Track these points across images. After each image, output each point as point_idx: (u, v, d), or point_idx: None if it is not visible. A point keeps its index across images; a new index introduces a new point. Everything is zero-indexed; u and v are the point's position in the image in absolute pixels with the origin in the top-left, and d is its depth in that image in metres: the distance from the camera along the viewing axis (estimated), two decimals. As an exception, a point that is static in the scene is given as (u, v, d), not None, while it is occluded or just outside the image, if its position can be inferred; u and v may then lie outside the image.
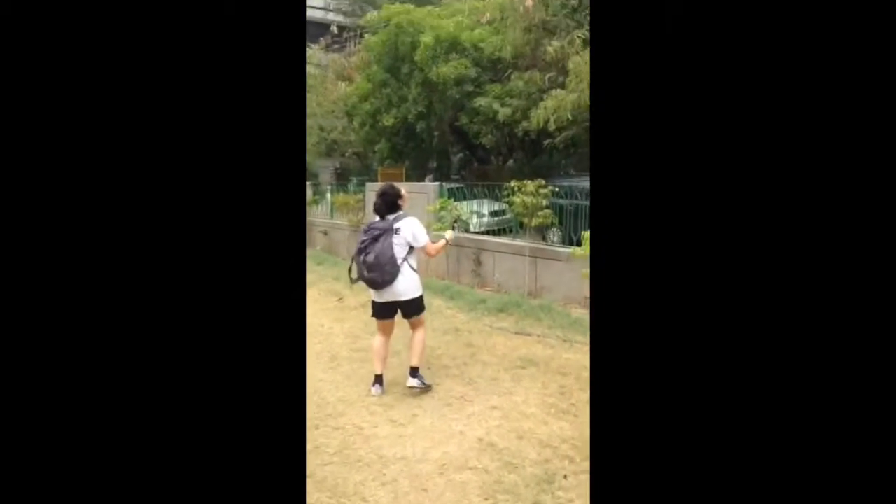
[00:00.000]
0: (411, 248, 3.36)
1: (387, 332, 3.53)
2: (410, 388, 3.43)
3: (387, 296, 3.35)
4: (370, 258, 3.25)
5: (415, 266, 3.42)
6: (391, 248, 3.27)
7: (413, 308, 3.44)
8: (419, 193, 7.30)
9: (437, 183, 7.87)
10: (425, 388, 3.46)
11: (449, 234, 3.88)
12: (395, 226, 3.34)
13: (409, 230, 3.35)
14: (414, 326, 3.51)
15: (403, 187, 3.49)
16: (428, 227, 6.58)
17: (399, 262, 3.29)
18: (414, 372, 3.45)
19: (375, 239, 3.30)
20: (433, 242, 3.50)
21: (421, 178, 10.92)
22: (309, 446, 2.84)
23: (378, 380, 3.49)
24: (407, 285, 3.35)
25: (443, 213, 6.58)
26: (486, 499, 2.36)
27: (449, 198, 6.97)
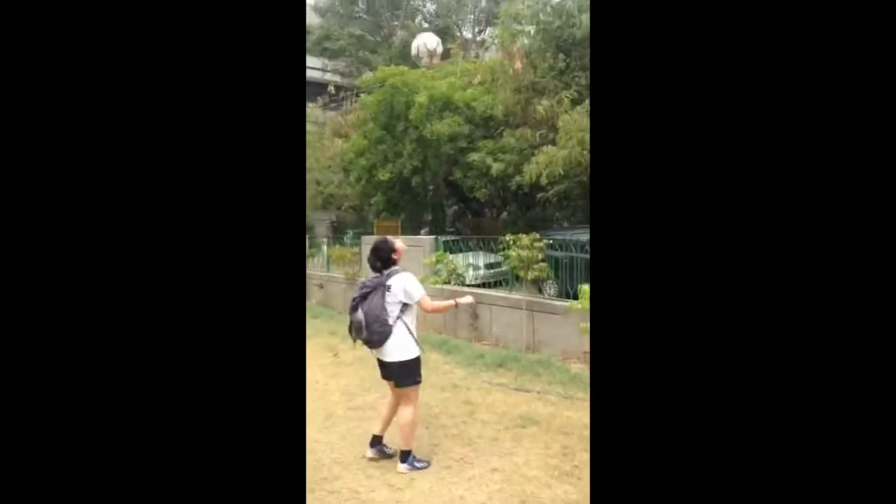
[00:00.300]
0: (406, 305, 3.13)
1: (394, 395, 3.31)
2: (401, 470, 3.14)
3: (381, 356, 3.15)
4: (359, 316, 3.08)
5: (410, 325, 3.15)
6: (381, 306, 3.06)
7: (402, 374, 3.10)
8: (415, 247, 7.34)
9: (433, 236, 7.92)
10: (387, 452, 3.32)
11: (468, 298, 3.58)
12: (388, 282, 3.12)
13: (401, 286, 3.11)
14: (400, 399, 3.20)
15: (398, 241, 3.32)
16: (424, 281, 6.59)
17: (391, 320, 3.06)
18: (404, 456, 3.15)
19: (365, 297, 3.12)
20: (432, 298, 3.33)
21: (416, 231, 11.01)
22: (302, 514, 2.71)
23: (375, 441, 3.33)
24: (394, 346, 3.07)
25: (439, 266, 6.59)
26: (490, 571, 2.23)
27: (444, 251, 7.00)
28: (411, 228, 11.20)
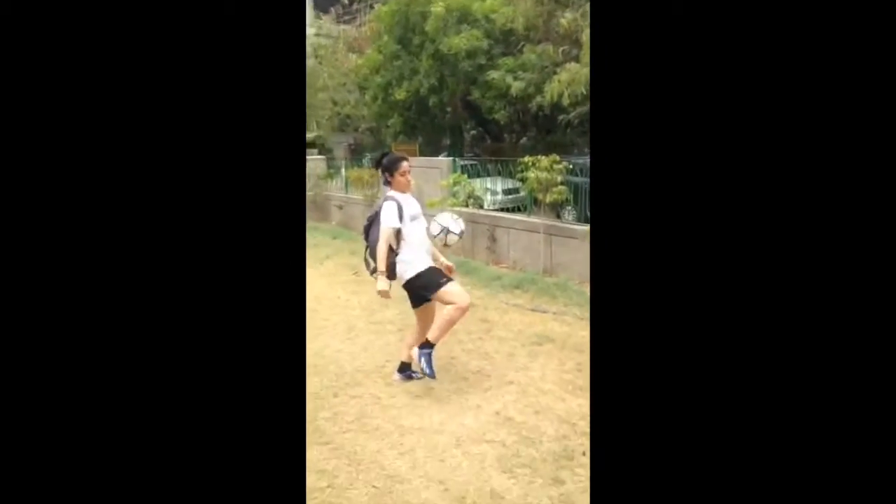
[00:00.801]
0: (398, 231, 2.98)
1: (418, 319, 3.21)
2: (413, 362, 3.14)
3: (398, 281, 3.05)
4: (369, 244, 3.05)
5: (406, 248, 2.99)
6: (377, 234, 2.98)
7: (412, 293, 3.05)
8: (432, 168, 7.24)
9: (451, 158, 7.77)
10: (414, 377, 3.17)
11: (382, 283, 2.96)
12: (381, 207, 3.01)
13: (381, 213, 2.97)
14: (424, 322, 3.14)
15: (405, 162, 3.07)
16: (442, 203, 6.55)
17: (398, 245, 3.00)
18: (423, 343, 3.04)
19: (370, 223, 3.07)
20: (397, 228, 2.97)
21: (434, 155, 10.82)
22: (327, 413, 2.86)
23: (403, 367, 3.24)
24: (400, 271, 2.99)
25: (456, 188, 6.52)
26: (504, 472, 2.36)
27: (462, 174, 6.89)
28: (430, 152, 10.98)
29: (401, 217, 2.99)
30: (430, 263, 3.04)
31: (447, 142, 12.37)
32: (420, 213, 3.10)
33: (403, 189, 3.07)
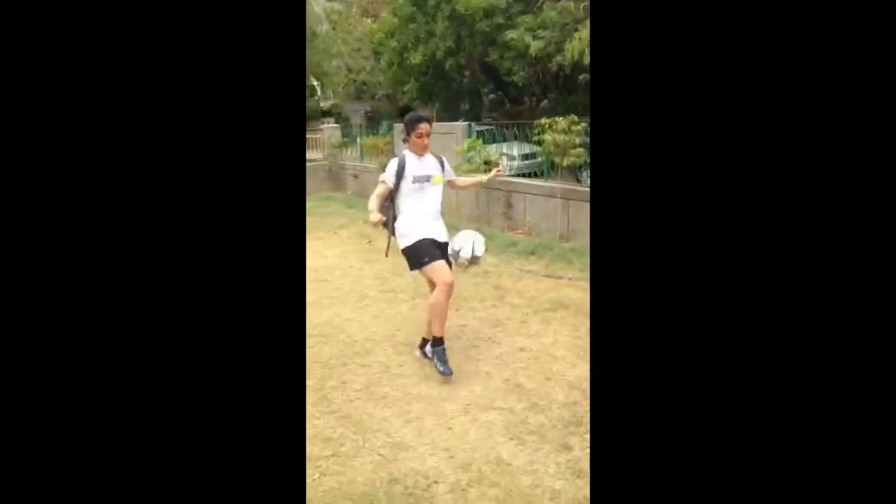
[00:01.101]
0: (398, 192, 2.90)
1: (427, 281, 3.04)
2: (421, 355, 3.08)
3: None
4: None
5: (406, 212, 2.90)
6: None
7: (408, 261, 2.92)
8: (447, 134, 7.08)
9: (466, 123, 7.59)
10: (431, 361, 2.95)
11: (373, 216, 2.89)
12: None
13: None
14: (430, 283, 2.98)
15: (424, 124, 2.90)
16: (457, 169, 6.42)
17: (395, 207, 2.93)
18: (434, 342, 2.90)
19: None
20: (387, 185, 2.90)
21: (452, 121, 10.61)
22: (335, 382, 2.87)
23: (423, 342, 3.09)
24: (396, 234, 2.93)
25: (471, 153, 6.37)
26: (512, 439, 2.33)
27: (477, 138, 6.72)
28: (448, 118, 10.76)
29: (400, 177, 2.87)
30: (423, 235, 2.86)
31: (466, 107, 12.11)
32: (431, 176, 2.92)
33: (418, 150, 2.89)
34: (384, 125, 10.18)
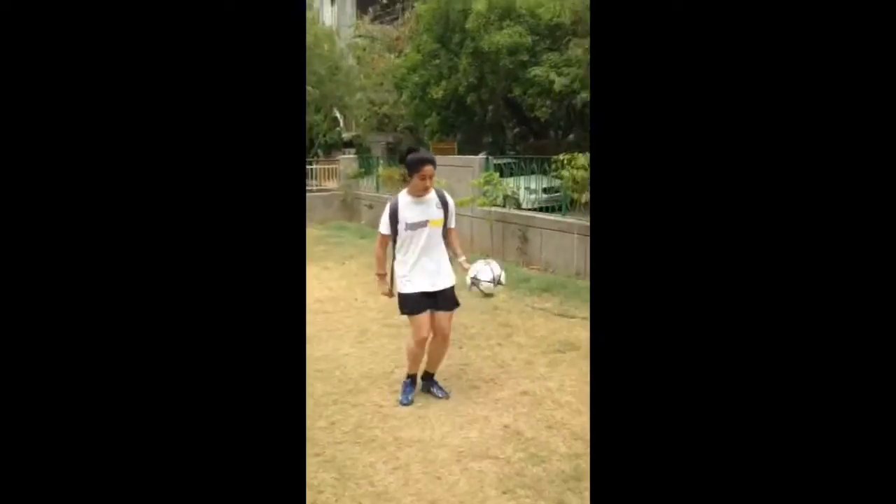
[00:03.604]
0: (396, 236, 2.83)
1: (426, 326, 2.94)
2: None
3: None
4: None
5: (401, 259, 2.83)
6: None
7: (399, 306, 2.90)
8: (464, 167, 7.06)
9: (483, 156, 7.56)
10: (430, 393, 2.98)
11: (381, 286, 3.02)
12: None
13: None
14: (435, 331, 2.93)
15: (427, 167, 2.75)
16: (472, 202, 6.36)
17: (394, 249, 2.86)
18: (425, 375, 3.01)
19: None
20: (385, 235, 2.85)
21: (475, 153, 10.65)
22: (323, 423, 2.73)
23: (425, 375, 3.04)
24: (396, 279, 2.89)
25: (487, 187, 6.30)
26: (504, 492, 2.15)
27: (495, 172, 6.67)
28: (469, 150, 10.80)
29: (395, 222, 2.80)
30: (417, 288, 2.78)
31: (489, 139, 12.15)
32: (427, 221, 2.78)
33: (418, 192, 2.77)
34: (405, 157, 10.27)
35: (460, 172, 6.96)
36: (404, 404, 2.90)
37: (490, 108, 10.55)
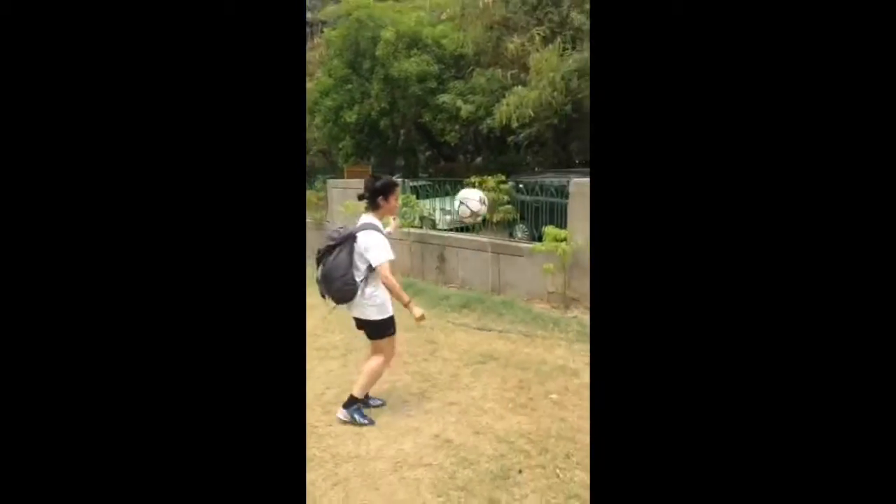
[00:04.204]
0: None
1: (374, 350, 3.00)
2: (338, 418, 2.99)
3: (350, 311, 2.89)
4: (321, 271, 2.79)
5: (376, 284, 2.82)
6: (348, 262, 2.73)
7: (373, 330, 2.90)
8: (382, 190, 7.22)
9: (398, 179, 7.79)
10: (353, 423, 2.95)
11: (418, 311, 2.95)
12: (357, 234, 2.75)
13: (363, 242, 2.73)
14: (372, 350, 3.01)
15: (398, 186, 2.89)
16: (387, 224, 6.51)
17: (359, 277, 2.75)
18: (349, 402, 2.96)
19: (330, 250, 2.79)
20: (400, 242, 3.00)
21: (389, 176, 10.83)
22: (259, 448, 2.75)
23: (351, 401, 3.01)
24: (362, 304, 2.81)
25: (405, 209, 6.52)
26: (440, 496, 2.33)
27: (414, 195, 6.91)
28: (384, 173, 10.97)
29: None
30: (392, 312, 2.91)
31: (401, 163, 12.41)
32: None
33: (392, 214, 2.98)
34: (319, 179, 10.24)
35: (377, 196, 7.12)
36: (371, 423, 2.97)
37: (402, 132, 10.84)
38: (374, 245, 2.73)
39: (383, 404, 3.20)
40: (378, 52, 9.33)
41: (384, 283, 2.78)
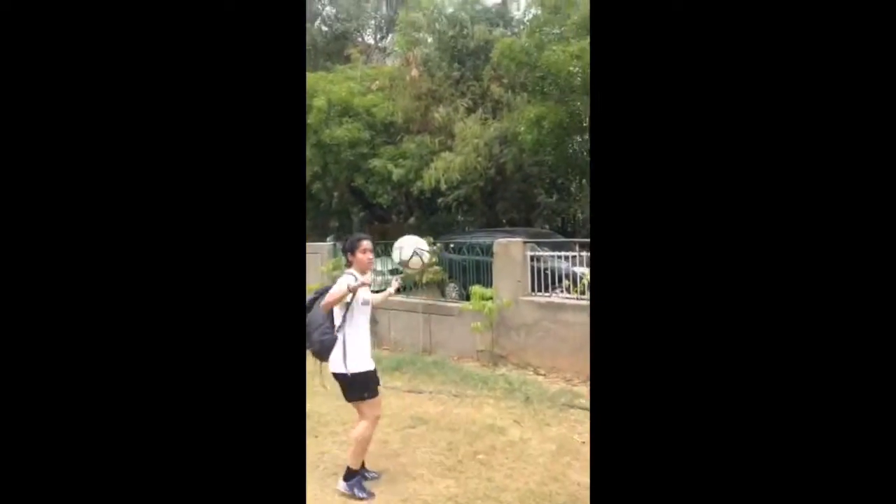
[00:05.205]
0: (349, 310, 2.79)
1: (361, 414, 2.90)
2: (337, 489, 2.93)
3: (330, 366, 2.82)
4: (306, 324, 2.78)
5: (358, 334, 2.81)
6: (322, 313, 2.77)
7: (349, 387, 2.80)
8: (313, 254, 7.24)
9: (331, 242, 7.85)
10: (354, 497, 2.87)
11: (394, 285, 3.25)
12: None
13: (332, 288, 2.81)
14: (359, 414, 2.90)
15: (365, 241, 2.90)
16: (319, 287, 6.49)
17: (334, 328, 2.76)
18: (348, 475, 2.90)
19: (311, 304, 2.83)
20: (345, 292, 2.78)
21: (322, 239, 10.83)
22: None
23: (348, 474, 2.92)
24: (338, 356, 2.76)
25: (336, 272, 6.54)
26: (364, 570, 2.29)
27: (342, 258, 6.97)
28: (317, 235, 10.99)
29: (352, 298, 2.80)
30: (371, 365, 2.88)
31: (336, 224, 12.48)
32: (370, 299, 2.94)
33: (364, 267, 2.88)
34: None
35: (309, 259, 7.12)
36: (371, 496, 2.87)
37: (335, 194, 10.99)
38: (343, 278, 2.77)
39: (378, 477, 3.08)
40: (311, 120, 9.57)
41: (325, 304, 2.72)
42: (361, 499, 2.87)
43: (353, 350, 2.78)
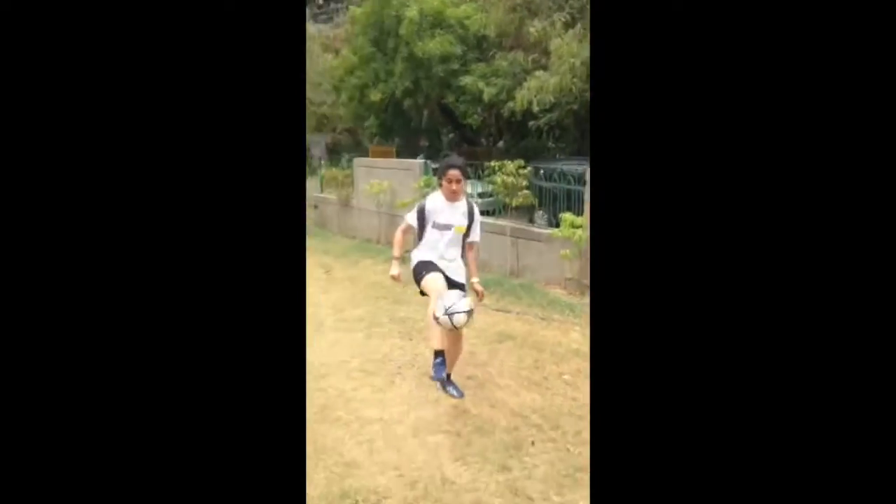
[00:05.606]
0: (421, 228, 2.97)
1: None
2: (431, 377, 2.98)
3: None
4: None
5: (422, 252, 2.96)
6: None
7: (414, 278, 2.96)
8: (406, 170, 7.38)
9: (423, 160, 7.92)
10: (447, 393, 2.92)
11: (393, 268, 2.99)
12: None
13: None
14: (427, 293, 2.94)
15: (452, 170, 2.87)
16: (412, 204, 6.65)
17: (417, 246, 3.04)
18: (435, 356, 2.81)
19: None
20: (407, 225, 3.01)
21: (413, 157, 10.98)
22: (291, 409, 2.98)
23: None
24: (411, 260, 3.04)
25: (427, 189, 6.67)
26: (456, 460, 2.52)
27: (433, 176, 7.05)
28: (408, 154, 11.12)
29: (423, 220, 2.94)
30: (427, 258, 2.92)
31: (426, 144, 12.52)
32: (452, 226, 2.90)
33: (446, 196, 2.89)
34: (345, 158, 10.41)
35: (402, 176, 7.29)
36: (440, 377, 2.77)
37: (426, 113, 10.93)
38: (407, 216, 3.03)
39: (462, 396, 2.98)
40: (402, 31, 9.37)
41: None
42: (452, 396, 2.98)
43: (418, 252, 2.97)
